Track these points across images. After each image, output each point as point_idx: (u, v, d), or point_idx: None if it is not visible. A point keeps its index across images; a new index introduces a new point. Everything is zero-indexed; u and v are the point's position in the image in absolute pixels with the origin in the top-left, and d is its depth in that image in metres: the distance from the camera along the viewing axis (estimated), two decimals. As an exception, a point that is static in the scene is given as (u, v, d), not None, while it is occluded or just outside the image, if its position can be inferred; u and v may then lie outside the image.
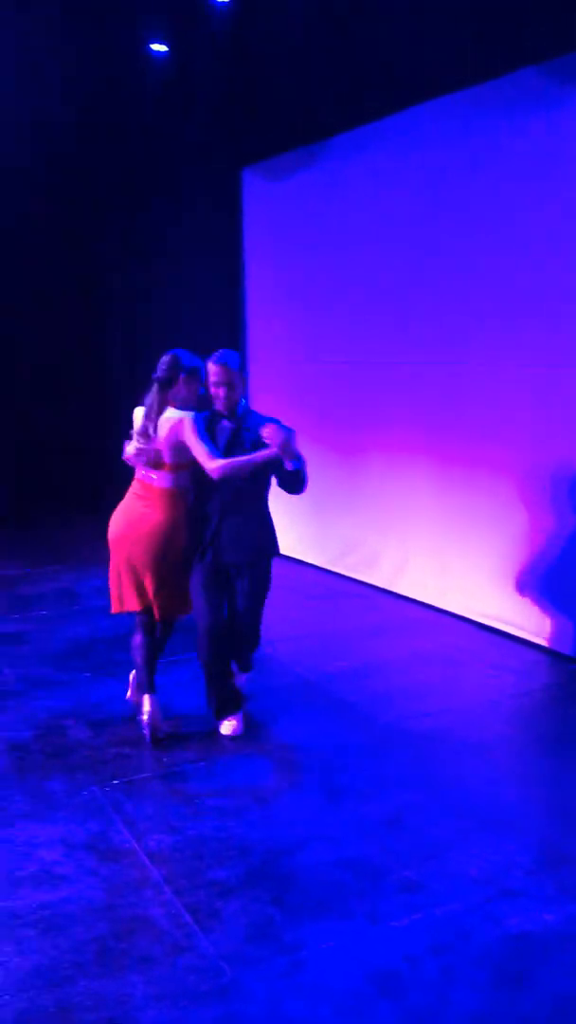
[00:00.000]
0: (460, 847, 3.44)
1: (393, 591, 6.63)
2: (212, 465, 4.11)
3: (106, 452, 10.11)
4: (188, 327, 8.42)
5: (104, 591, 6.94)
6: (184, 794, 3.86)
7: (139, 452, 4.26)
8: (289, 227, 7.45)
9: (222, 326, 8.14)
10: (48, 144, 8.62)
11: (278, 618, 6.42)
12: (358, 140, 6.58)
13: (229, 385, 4.25)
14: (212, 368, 4.27)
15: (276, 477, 4.32)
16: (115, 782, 3.99)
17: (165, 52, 7.52)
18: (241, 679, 4.69)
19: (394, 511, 6.55)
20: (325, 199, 6.97)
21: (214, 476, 4.12)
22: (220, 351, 4.33)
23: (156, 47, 7.51)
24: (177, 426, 4.16)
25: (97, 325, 10.19)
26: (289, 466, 4.15)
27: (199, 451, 4.13)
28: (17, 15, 6.79)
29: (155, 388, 4.26)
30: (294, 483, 4.27)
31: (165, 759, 4.19)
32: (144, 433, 4.24)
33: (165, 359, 4.27)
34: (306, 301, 7.30)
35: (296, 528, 7.64)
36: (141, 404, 4.32)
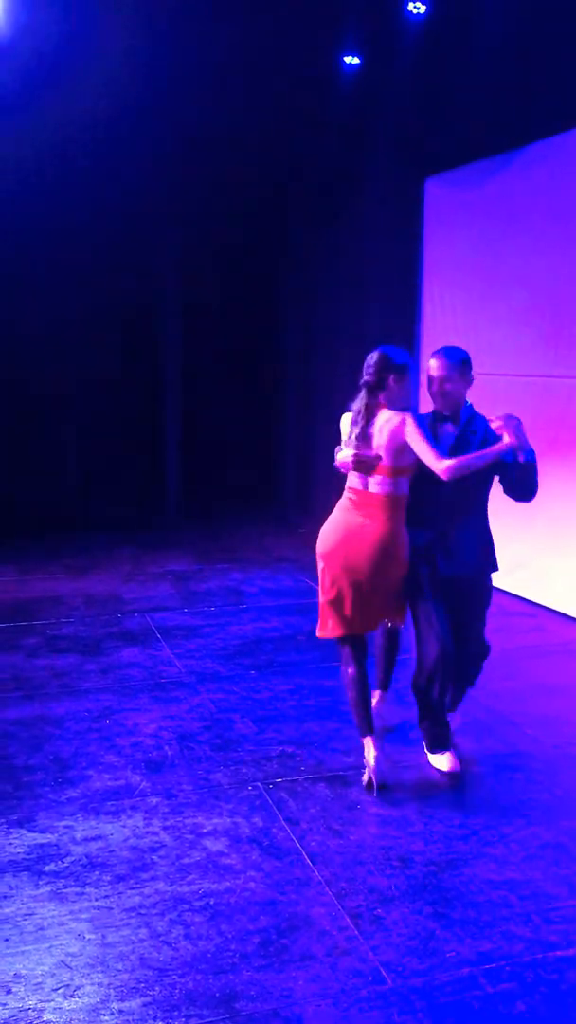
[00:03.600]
0: (631, 882, 3.32)
1: (564, 612, 6.45)
2: (441, 465, 3.72)
3: (277, 453, 10.36)
4: (363, 335, 8.48)
5: (272, 592, 7.12)
6: (347, 799, 3.89)
7: (357, 458, 3.94)
8: (470, 238, 7.38)
9: (397, 335, 8.15)
10: (233, 155, 8.88)
11: (443, 631, 6.37)
12: (544, 152, 6.45)
13: (451, 382, 3.98)
14: (433, 364, 4.02)
15: (503, 480, 4.00)
16: (279, 780, 4.06)
17: (357, 64, 7.61)
18: (455, 716, 4.38)
19: (569, 529, 6.37)
20: (508, 211, 6.87)
21: (444, 477, 3.72)
22: (443, 346, 4.11)
23: (349, 59, 7.61)
24: (399, 427, 3.84)
25: (274, 331, 10.39)
26: (522, 457, 3.81)
27: (425, 451, 3.76)
28: (204, 26, 7.01)
29: (363, 392, 3.95)
30: (525, 481, 3.93)
31: (329, 763, 4.23)
32: (361, 437, 3.93)
33: (372, 359, 3.95)
34: (484, 313, 7.21)
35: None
36: (347, 410, 4.05)
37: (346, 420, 4.06)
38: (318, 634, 4.14)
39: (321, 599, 4.08)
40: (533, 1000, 2.73)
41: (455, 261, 7.60)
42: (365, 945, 2.98)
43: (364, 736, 4.02)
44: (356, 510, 4.00)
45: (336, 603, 4.01)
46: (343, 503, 4.08)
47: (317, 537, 4.12)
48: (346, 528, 4.00)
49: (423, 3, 6.59)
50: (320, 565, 4.08)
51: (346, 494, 4.07)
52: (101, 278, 9.42)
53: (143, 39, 7.06)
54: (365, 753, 4.01)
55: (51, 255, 9.16)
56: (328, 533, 4.07)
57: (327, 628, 4.08)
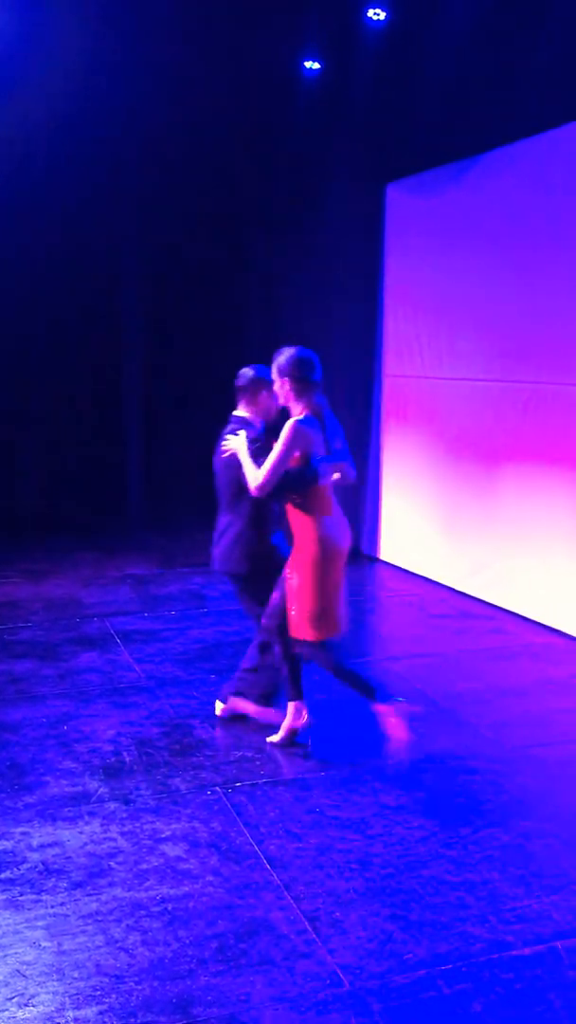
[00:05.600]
0: (586, 881, 3.35)
1: (523, 615, 6.51)
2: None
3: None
4: (326, 341, 8.50)
5: (233, 596, 7.11)
6: (306, 803, 3.89)
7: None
8: (431, 243, 7.43)
9: (358, 343, 8.19)
10: (193, 160, 8.87)
11: (403, 636, 6.42)
12: (505, 158, 6.52)
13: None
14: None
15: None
16: (238, 784, 4.05)
17: (318, 69, 7.63)
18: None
19: (528, 533, 6.43)
20: (470, 216, 6.93)
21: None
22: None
23: (309, 64, 7.63)
24: None
25: (237, 336, 10.37)
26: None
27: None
28: (165, 31, 6.99)
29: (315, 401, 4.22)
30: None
31: (287, 767, 4.23)
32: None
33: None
34: (445, 319, 7.27)
35: (425, 545, 7.61)
36: (310, 423, 4.16)
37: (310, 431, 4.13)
38: (318, 637, 4.18)
39: (319, 602, 4.13)
40: (489, 1000, 2.74)
41: (416, 266, 7.65)
42: (323, 948, 2.97)
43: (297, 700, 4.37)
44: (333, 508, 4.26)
45: (336, 601, 4.20)
46: (329, 502, 4.23)
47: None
48: (342, 526, 4.28)
49: (382, 10, 6.63)
50: (322, 567, 4.13)
51: (324, 495, 4.20)
52: (61, 284, 9.35)
53: (103, 43, 7.03)
54: (300, 715, 4.37)
55: (10, 259, 9.08)
56: (338, 532, 4.24)
57: (326, 629, 4.19)
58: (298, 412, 4.18)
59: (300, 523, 4.20)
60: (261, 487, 4.12)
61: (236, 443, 4.34)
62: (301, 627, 4.21)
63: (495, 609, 6.71)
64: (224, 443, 4.44)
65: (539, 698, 5.13)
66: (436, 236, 7.37)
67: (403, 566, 7.88)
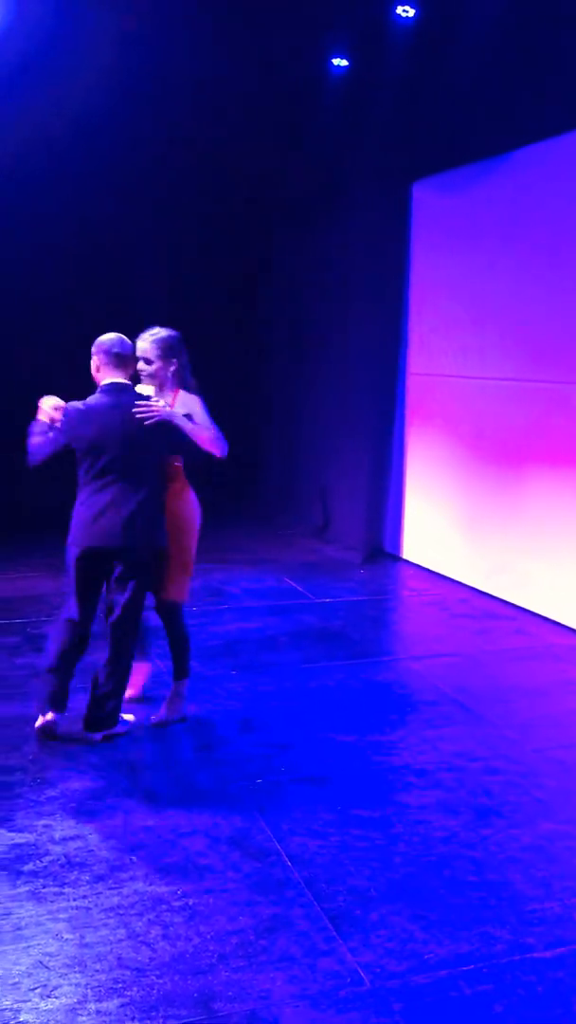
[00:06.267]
0: (609, 885, 3.33)
1: (545, 616, 6.48)
2: None
3: (261, 455, 10.35)
4: (348, 339, 8.50)
5: (254, 592, 7.12)
6: (328, 801, 3.89)
7: None
8: (459, 242, 7.40)
9: (383, 341, 8.16)
10: (217, 159, 8.87)
11: (425, 635, 6.41)
12: (535, 156, 6.48)
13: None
14: None
15: None
16: (259, 781, 4.06)
17: (345, 67, 7.61)
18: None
19: (552, 533, 6.40)
20: (498, 215, 6.90)
21: None
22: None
23: (337, 62, 7.61)
24: None
25: (259, 333, 10.39)
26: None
27: None
28: (192, 28, 6.99)
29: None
30: None
31: (310, 764, 4.23)
32: None
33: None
34: (471, 317, 7.24)
35: (448, 544, 7.59)
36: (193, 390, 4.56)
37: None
38: (183, 599, 4.58)
39: (187, 570, 4.55)
40: (511, 1002, 2.73)
41: (443, 265, 7.62)
42: (344, 946, 2.98)
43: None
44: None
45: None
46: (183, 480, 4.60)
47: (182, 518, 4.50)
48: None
49: (411, 7, 6.60)
50: (192, 537, 4.55)
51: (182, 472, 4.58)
52: (84, 279, 9.38)
53: (130, 39, 7.04)
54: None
55: (31, 261, 9.12)
56: (195, 508, 4.60)
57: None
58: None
59: (183, 491, 4.55)
60: (223, 446, 4.44)
61: (165, 408, 4.31)
62: (182, 591, 4.54)
63: (518, 610, 6.68)
64: (144, 410, 4.26)
65: (561, 699, 5.11)
66: (462, 234, 7.34)
67: (426, 565, 7.86)
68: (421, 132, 7.47)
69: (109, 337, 4.48)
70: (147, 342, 4.50)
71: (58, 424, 4.27)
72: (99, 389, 4.40)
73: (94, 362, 4.43)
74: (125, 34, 6.88)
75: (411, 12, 6.63)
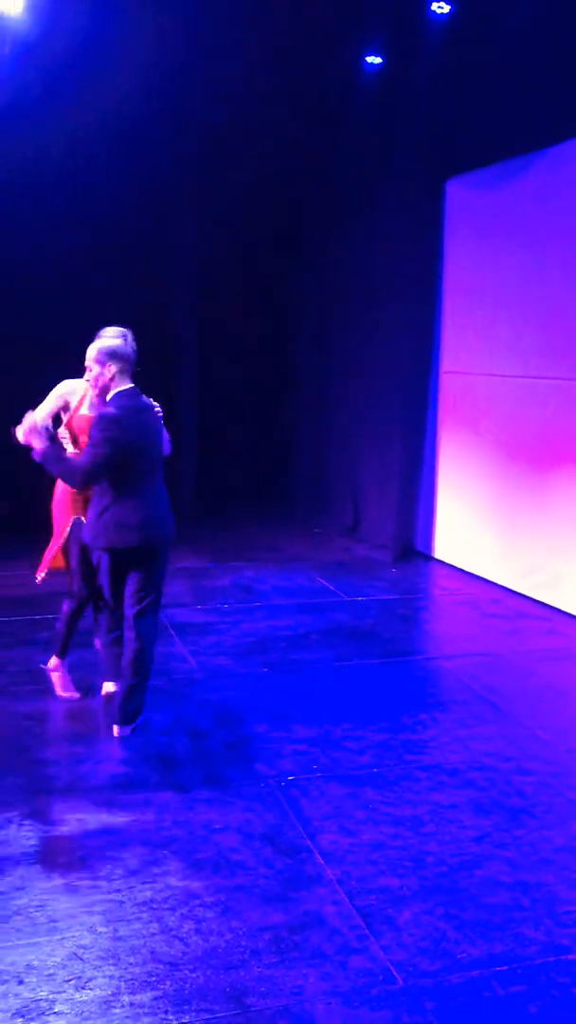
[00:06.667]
0: None
1: (577, 616, 6.43)
2: None
3: (291, 453, 10.36)
4: (378, 337, 8.48)
5: (284, 590, 7.13)
6: (360, 799, 3.89)
7: None
8: (493, 239, 7.35)
9: (415, 339, 8.13)
10: (249, 158, 8.87)
11: (457, 635, 6.39)
12: (572, 152, 6.42)
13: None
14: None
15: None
16: (291, 778, 4.06)
17: (379, 63, 7.59)
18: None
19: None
20: (533, 212, 6.84)
21: None
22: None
23: (370, 59, 7.59)
24: None
25: (288, 331, 10.38)
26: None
27: None
28: (225, 25, 6.99)
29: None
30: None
31: (342, 762, 4.23)
32: None
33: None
34: (506, 315, 7.19)
35: (480, 544, 7.55)
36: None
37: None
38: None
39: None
40: (545, 1003, 2.72)
41: (477, 262, 7.57)
42: (376, 944, 2.98)
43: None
44: None
45: None
46: None
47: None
48: None
49: (447, 2, 6.57)
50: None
51: None
52: (115, 278, 9.42)
53: (163, 37, 7.05)
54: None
55: (64, 251, 9.16)
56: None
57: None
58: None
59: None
60: None
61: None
62: None
63: (550, 610, 6.64)
64: (158, 411, 4.59)
65: (595, 701, 5.07)
66: (497, 232, 7.29)
67: (457, 564, 7.82)
68: (455, 129, 7.44)
69: (119, 342, 4.47)
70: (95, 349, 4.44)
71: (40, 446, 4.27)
72: (119, 395, 4.37)
73: (110, 369, 4.35)
74: (157, 33, 6.90)
75: (446, 8, 6.60)
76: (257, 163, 8.98)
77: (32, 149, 7.80)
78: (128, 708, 4.41)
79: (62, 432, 4.74)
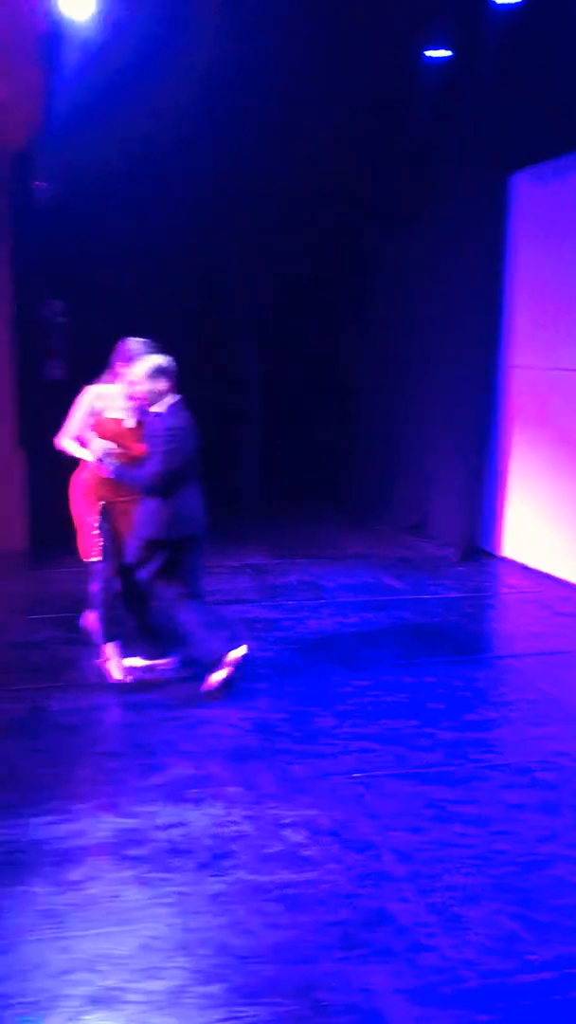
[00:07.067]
0: None
1: None
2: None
3: (356, 449, 10.34)
4: (445, 334, 8.41)
5: (350, 587, 7.13)
6: (428, 797, 3.87)
7: None
8: (560, 232, 7.24)
9: (482, 335, 8.05)
10: (313, 156, 8.87)
11: (524, 633, 6.32)
12: None
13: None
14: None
15: None
16: (358, 775, 4.07)
17: (442, 57, 7.52)
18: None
19: None
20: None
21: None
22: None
23: (433, 52, 7.52)
24: None
25: (353, 328, 10.37)
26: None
27: None
28: (286, 23, 6.99)
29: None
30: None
31: (410, 759, 4.22)
32: None
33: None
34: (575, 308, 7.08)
35: (549, 542, 7.45)
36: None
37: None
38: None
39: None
40: (618, 1007, 2.68)
41: (545, 255, 7.46)
42: (446, 943, 2.96)
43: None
44: None
45: None
46: None
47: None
48: None
49: (513, -8, 6.48)
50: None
51: None
52: (180, 275, 9.51)
53: (227, 39, 7.09)
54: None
55: (130, 252, 9.29)
56: None
57: None
58: None
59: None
60: None
61: None
62: None
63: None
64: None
65: None
66: (564, 224, 7.18)
67: (525, 562, 7.73)
68: (519, 123, 7.34)
69: (164, 360, 4.97)
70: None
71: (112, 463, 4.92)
72: (174, 406, 4.93)
73: (161, 384, 4.88)
74: (221, 34, 6.93)
75: (512, -2, 6.51)
76: (322, 162, 8.98)
77: (101, 154, 7.91)
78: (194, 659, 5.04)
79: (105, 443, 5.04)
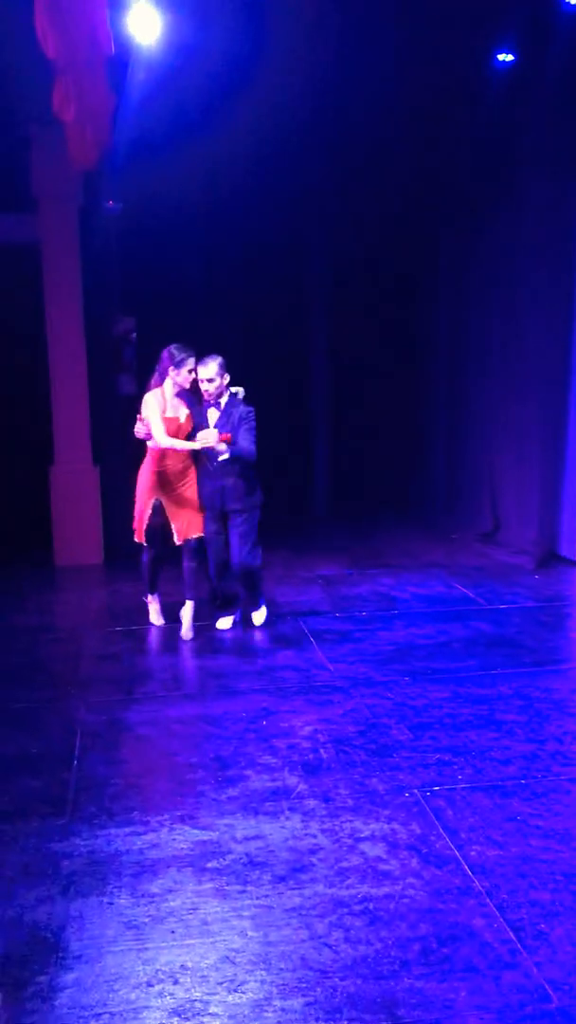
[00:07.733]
0: None
1: None
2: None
3: (426, 458, 10.26)
4: (513, 342, 8.31)
5: (423, 598, 7.07)
6: (507, 810, 3.82)
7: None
8: None
9: (555, 334, 7.93)
10: (381, 161, 8.86)
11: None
12: None
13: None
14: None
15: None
16: (436, 788, 4.03)
17: (512, 61, 7.45)
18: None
19: None
20: None
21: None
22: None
23: (503, 57, 7.46)
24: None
25: (422, 336, 10.30)
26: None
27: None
28: (358, 31, 6.99)
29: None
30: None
31: (488, 772, 4.17)
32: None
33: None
34: None
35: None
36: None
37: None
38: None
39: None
40: None
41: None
42: (529, 960, 2.91)
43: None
44: None
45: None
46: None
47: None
48: None
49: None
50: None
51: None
52: (251, 282, 9.58)
53: (297, 47, 7.12)
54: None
55: (199, 268, 9.41)
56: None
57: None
58: None
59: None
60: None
61: None
62: None
63: None
64: None
65: None
66: None
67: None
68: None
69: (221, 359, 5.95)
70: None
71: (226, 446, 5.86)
72: (235, 395, 6.02)
73: (226, 377, 5.93)
74: (292, 41, 6.96)
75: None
76: (393, 164, 8.96)
77: (171, 173, 8.04)
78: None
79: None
